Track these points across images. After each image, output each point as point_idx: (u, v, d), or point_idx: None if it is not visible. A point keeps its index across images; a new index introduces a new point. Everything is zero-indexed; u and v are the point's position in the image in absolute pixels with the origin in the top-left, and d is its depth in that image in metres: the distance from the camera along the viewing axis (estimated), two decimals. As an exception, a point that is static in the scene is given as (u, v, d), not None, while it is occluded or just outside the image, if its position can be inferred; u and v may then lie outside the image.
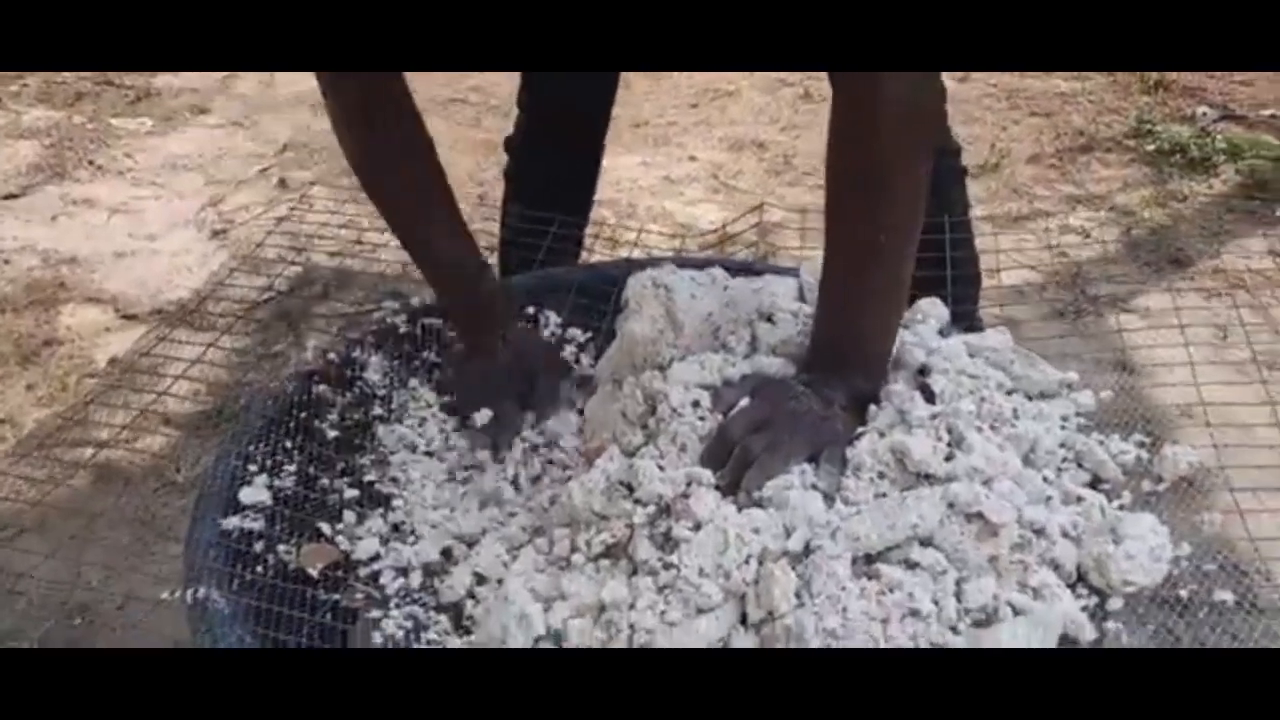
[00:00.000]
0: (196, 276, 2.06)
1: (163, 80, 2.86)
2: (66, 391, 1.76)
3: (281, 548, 0.90)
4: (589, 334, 1.15)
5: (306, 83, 2.85)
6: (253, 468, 0.96)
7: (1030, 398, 0.96)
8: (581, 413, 1.01)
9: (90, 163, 2.48)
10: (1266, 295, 1.90)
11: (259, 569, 0.88)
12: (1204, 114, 2.51)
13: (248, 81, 2.88)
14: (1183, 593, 0.79)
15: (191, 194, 2.34)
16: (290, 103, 2.76)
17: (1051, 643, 0.76)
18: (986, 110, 2.60)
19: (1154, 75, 2.64)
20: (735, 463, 0.84)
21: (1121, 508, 0.86)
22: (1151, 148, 2.38)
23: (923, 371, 0.94)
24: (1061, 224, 2.13)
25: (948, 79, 1.30)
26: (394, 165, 1.02)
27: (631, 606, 0.77)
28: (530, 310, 1.16)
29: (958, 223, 1.40)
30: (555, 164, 1.47)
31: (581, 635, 0.77)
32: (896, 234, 0.90)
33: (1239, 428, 1.06)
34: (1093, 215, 2.18)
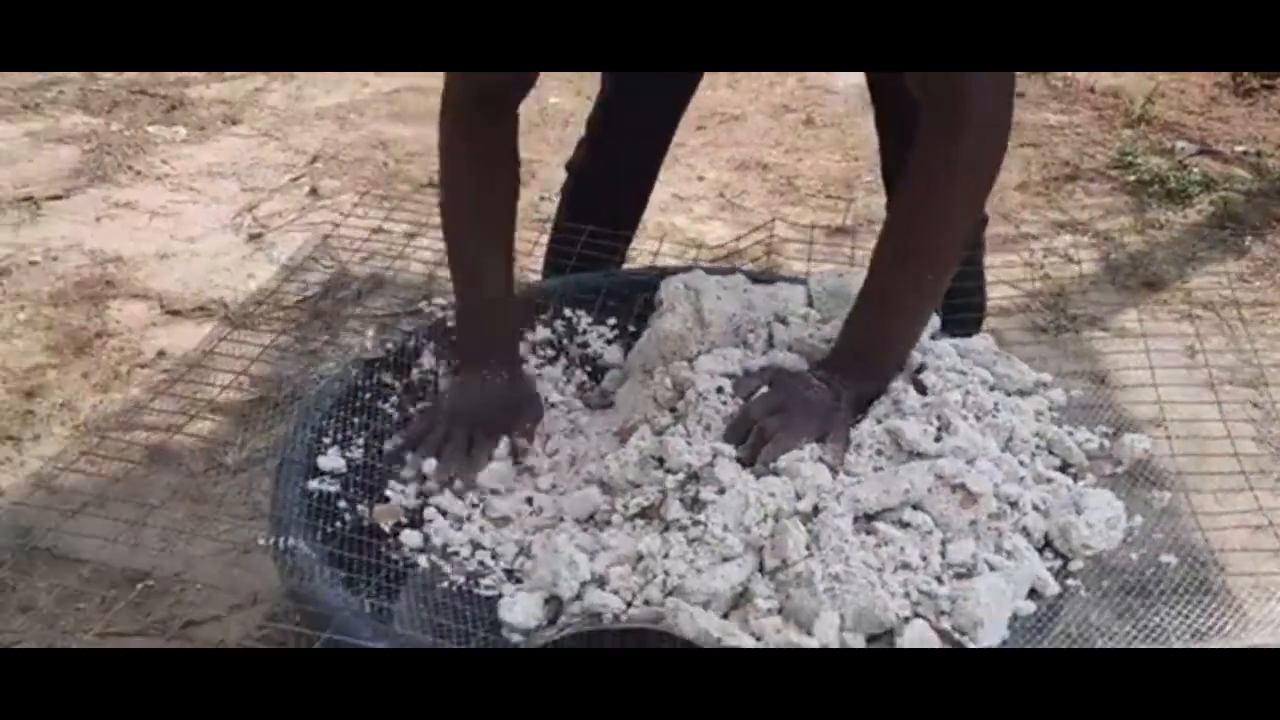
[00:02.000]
0: (235, 277, 2.19)
1: (195, 91, 3.00)
2: (119, 379, 1.89)
3: (359, 507, 1.03)
4: (615, 331, 1.28)
5: (332, 98, 2.99)
6: (326, 440, 1.10)
7: (1009, 394, 1.10)
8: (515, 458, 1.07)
9: (129, 168, 2.61)
10: (1233, 318, 2.05)
11: (337, 524, 1.01)
12: (1182, 148, 2.67)
13: (276, 94, 3.02)
14: (1134, 556, 0.92)
15: (227, 200, 2.47)
16: (317, 116, 2.90)
17: (1022, 595, 0.90)
18: (978, 140, 2.75)
19: (1137, 110, 2.80)
20: (754, 439, 0.98)
21: (1084, 486, 1.00)
22: (1132, 178, 2.54)
23: (919, 370, 1.08)
24: (1046, 248, 2.28)
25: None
26: (483, 180, 1.14)
27: (665, 556, 0.90)
28: (566, 312, 1.30)
29: (972, 258, 1.55)
30: (613, 186, 1.57)
31: (621, 579, 0.90)
32: (938, 273, 1.04)
33: (1198, 434, 1.20)
34: (1075, 240, 2.32)
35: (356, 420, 1.13)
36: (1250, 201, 2.46)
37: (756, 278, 1.24)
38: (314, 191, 2.50)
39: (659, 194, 2.56)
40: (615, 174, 1.53)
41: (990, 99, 0.98)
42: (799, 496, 0.92)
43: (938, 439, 0.97)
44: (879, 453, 0.97)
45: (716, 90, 3.06)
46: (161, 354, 1.95)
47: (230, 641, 1.42)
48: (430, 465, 1.06)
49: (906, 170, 1.01)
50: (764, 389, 1.03)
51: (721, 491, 0.93)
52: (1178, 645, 0.83)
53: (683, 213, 2.48)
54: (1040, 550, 0.94)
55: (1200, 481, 1.14)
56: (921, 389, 1.04)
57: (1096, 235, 2.35)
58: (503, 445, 1.08)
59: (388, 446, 1.10)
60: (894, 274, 1.03)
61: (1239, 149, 2.67)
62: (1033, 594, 0.90)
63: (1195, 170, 2.54)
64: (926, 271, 1.02)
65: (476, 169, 1.15)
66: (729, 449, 0.97)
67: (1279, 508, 1.02)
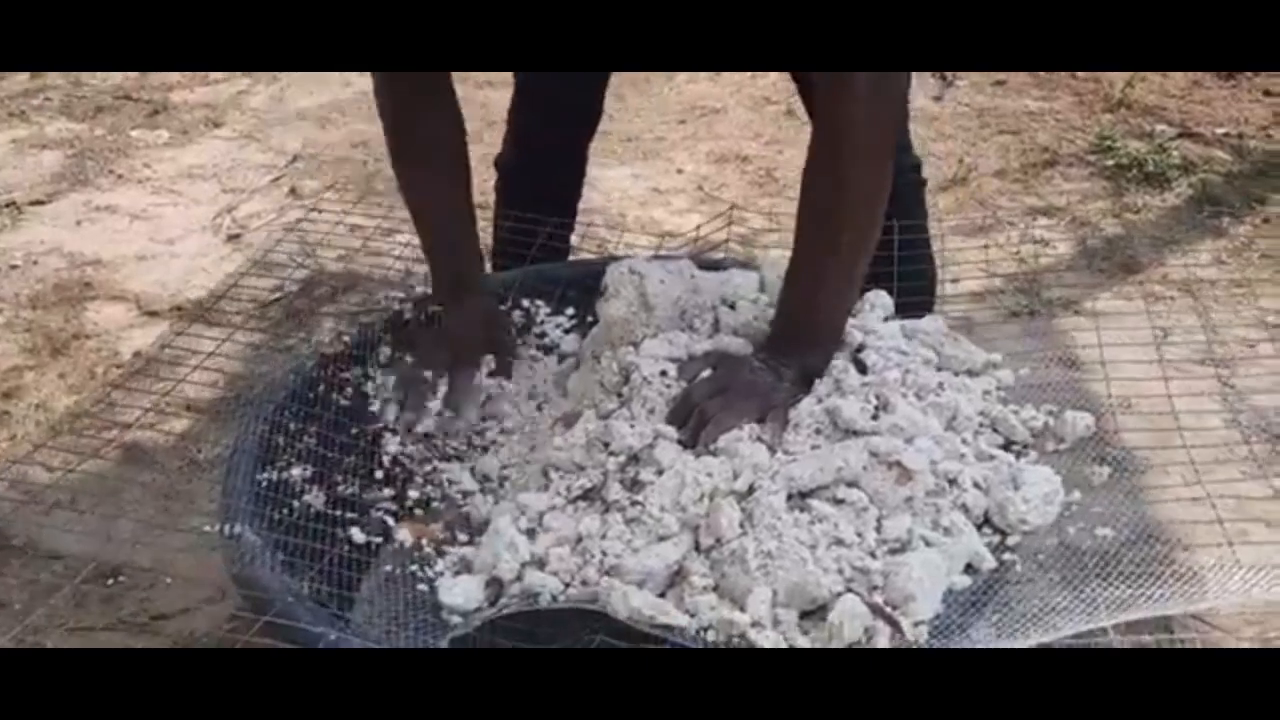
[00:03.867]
0: (213, 277, 2.20)
1: (179, 95, 3.01)
2: (94, 380, 1.90)
3: (305, 496, 1.04)
4: (574, 321, 1.29)
5: (314, 99, 3.01)
6: (278, 433, 1.11)
7: (957, 374, 1.11)
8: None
9: (111, 172, 2.63)
10: (1207, 299, 2.05)
11: (285, 511, 1.02)
12: (1162, 131, 2.67)
13: (259, 97, 3.03)
14: (1071, 530, 0.93)
15: (207, 201, 2.49)
16: (299, 116, 2.91)
17: (958, 570, 0.90)
18: (959, 128, 2.75)
19: (1117, 94, 2.79)
20: (695, 421, 0.99)
21: (1025, 463, 1.00)
22: (1111, 163, 2.53)
23: (860, 349, 1.09)
24: (1022, 233, 2.28)
25: (922, 100, 1.44)
26: (427, 154, 1.21)
27: (603, 537, 0.91)
28: (524, 302, 1.31)
29: (916, 227, 1.55)
30: (543, 178, 1.59)
31: (561, 560, 0.91)
32: (855, 234, 1.05)
33: (1159, 410, 1.20)
34: (1052, 225, 2.32)
35: (310, 411, 1.14)
36: (1230, 183, 2.46)
37: (712, 266, 1.25)
38: (293, 191, 2.51)
39: (636, 187, 2.58)
40: (542, 164, 1.55)
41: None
42: (736, 476, 0.93)
43: (875, 417, 0.97)
44: (817, 431, 0.97)
45: (697, 84, 3.06)
46: (137, 355, 1.96)
47: (199, 634, 1.43)
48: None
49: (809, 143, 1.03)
50: (706, 372, 1.04)
51: (660, 472, 0.94)
52: (1107, 614, 0.83)
53: (660, 206, 2.48)
54: (980, 527, 0.95)
55: (1151, 458, 1.15)
56: (863, 369, 1.04)
57: (1074, 220, 2.34)
58: (482, 370, 1.16)
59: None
60: (811, 240, 1.04)
61: (1220, 131, 2.67)
62: (969, 569, 0.91)
63: (1175, 153, 2.53)
64: (842, 233, 1.03)
65: (419, 119, 1.20)
66: (671, 431, 0.98)
67: (1223, 481, 1.02)
